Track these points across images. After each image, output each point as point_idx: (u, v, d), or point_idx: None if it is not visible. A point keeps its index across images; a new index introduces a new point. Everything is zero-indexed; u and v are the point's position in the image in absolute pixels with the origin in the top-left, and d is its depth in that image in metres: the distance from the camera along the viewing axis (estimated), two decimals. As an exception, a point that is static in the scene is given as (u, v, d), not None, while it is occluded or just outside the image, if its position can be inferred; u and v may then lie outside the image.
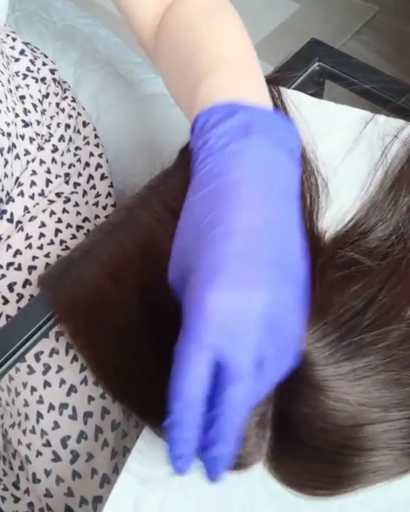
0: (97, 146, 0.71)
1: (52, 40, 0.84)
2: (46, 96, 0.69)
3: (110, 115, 0.77)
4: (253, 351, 0.32)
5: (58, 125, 0.68)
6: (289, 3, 1.73)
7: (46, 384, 0.50)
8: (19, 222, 0.60)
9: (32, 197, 0.62)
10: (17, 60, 0.69)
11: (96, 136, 0.72)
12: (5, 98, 0.61)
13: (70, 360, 0.51)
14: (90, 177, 0.68)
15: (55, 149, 0.66)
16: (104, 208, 0.67)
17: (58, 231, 0.60)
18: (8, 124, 0.60)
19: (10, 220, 0.59)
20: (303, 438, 0.40)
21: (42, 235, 0.59)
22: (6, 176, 0.59)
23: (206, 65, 0.45)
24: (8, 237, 0.59)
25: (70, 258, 0.50)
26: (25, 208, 0.61)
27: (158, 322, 0.43)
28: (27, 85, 0.68)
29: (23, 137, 0.63)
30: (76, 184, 0.66)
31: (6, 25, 0.72)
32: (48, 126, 0.67)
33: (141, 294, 0.44)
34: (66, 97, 0.71)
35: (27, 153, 0.63)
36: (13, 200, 0.60)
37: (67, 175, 0.66)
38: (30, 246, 0.58)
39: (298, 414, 0.40)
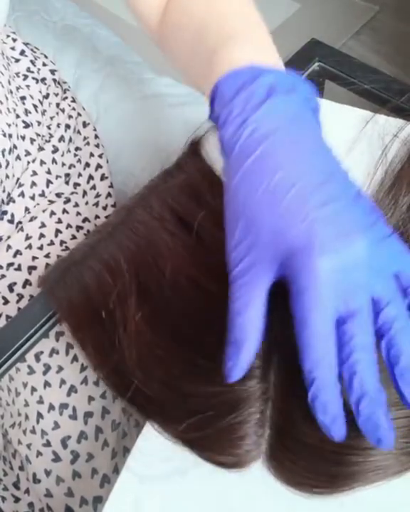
0: (97, 146, 0.71)
1: (52, 40, 0.84)
2: (46, 96, 0.69)
3: (110, 115, 0.77)
4: (370, 296, 0.35)
5: (58, 126, 0.68)
6: (289, 3, 1.73)
7: (46, 384, 0.50)
8: (19, 222, 0.60)
9: (32, 198, 0.62)
10: (17, 60, 0.69)
11: (96, 137, 0.72)
12: (6, 99, 0.61)
13: (70, 360, 0.51)
14: (90, 177, 0.68)
15: (55, 150, 0.66)
16: (105, 208, 0.67)
17: (58, 231, 0.60)
18: (9, 125, 0.60)
19: (11, 221, 0.59)
20: (303, 436, 0.40)
21: (42, 235, 0.59)
22: (7, 177, 0.59)
23: (220, 38, 0.44)
24: (8, 237, 0.59)
25: (70, 258, 0.50)
26: (26, 209, 0.61)
27: (158, 320, 0.43)
28: (27, 86, 0.68)
29: (23, 138, 0.63)
30: (76, 184, 0.66)
31: (6, 26, 0.72)
32: (48, 127, 0.67)
33: (141, 293, 0.44)
34: (66, 98, 0.71)
35: (28, 154, 0.63)
36: (13, 201, 0.60)
37: (67, 175, 0.66)
38: (30, 246, 0.58)
39: (298, 412, 0.40)
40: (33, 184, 0.62)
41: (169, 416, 0.39)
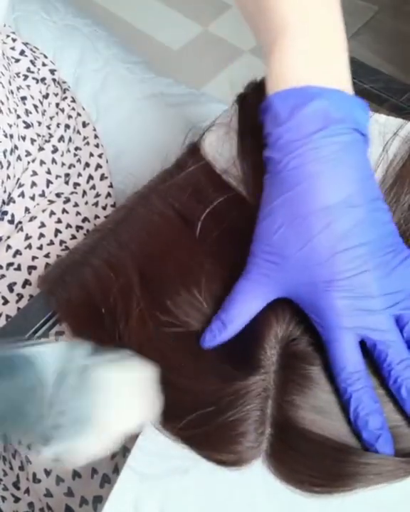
0: (96, 146, 0.71)
1: (52, 40, 0.84)
2: (46, 96, 0.69)
3: (110, 115, 0.77)
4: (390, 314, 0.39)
5: (58, 125, 0.68)
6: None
7: (46, 384, 0.50)
8: (19, 222, 0.60)
9: (33, 198, 0.62)
10: (17, 60, 0.69)
11: (96, 137, 0.72)
12: (6, 99, 0.61)
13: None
14: (90, 177, 0.68)
15: (55, 150, 0.66)
16: (104, 208, 0.67)
17: (57, 231, 0.60)
18: (10, 126, 0.60)
19: (11, 221, 0.59)
20: (303, 435, 0.40)
21: (42, 235, 0.59)
22: (8, 177, 0.59)
23: (284, 18, 0.43)
24: (8, 237, 0.59)
25: (69, 258, 0.50)
26: (26, 209, 0.61)
27: (159, 318, 0.43)
28: (28, 86, 0.67)
29: (24, 138, 0.63)
30: (76, 184, 0.66)
31: (5, 26, 0.72)
32: (48, 127, 0.67)
33: (143, 286, 0.44)
34: (66, 98, 0.71)
35: (28, 154, 0.63)
36: (14, 201, 0.60)
37: (67, 175, 0.66)
38: (29, 246, 0.58)
39: (298, 410, 0.40)
40: (33, 184, 0.62)
41: (169, 413, 0.39)
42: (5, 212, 0.59)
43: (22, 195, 0.61)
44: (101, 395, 0.30)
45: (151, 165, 0.56)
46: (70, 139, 0.68)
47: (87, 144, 0.70)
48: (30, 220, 0.60)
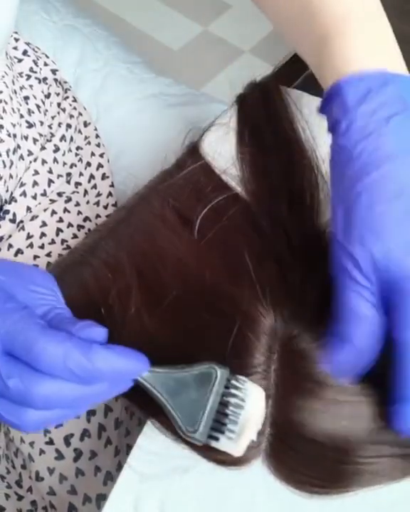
0: (98, 145, 0.71)
1: (52, 40, 0.84)
2: (48, 96, 0.69)
3: (110, 115, 0.77)
4: None
5: (60, 125, 0.68)
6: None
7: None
8: (21, 221, 0.60)
9: (34, 197, 0.62)
10: (20, 60, 0.69)
11: (97, 136, 0.72)
12: (10, 99, 0.62)
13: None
14: (92, 177, 0.68)
15: (56, 149, 0.66)
16: (105, 207, 0.67)
17: (59, 230, 0.61)
18: (13, 125, 0.61)
19: (12, 221, 0.59)
20: (303, 435, 0.40)
21: (43, 234, 0.59)
22: (10, 176, 0.60)
23: (334, 18, 0.43)
24: (10, 236, 0.59)
25: (69, 257, 0.50)
26: (28, 209, 0.61)
27: (159, 313, 0.43)
28: (30, 86, 0.68)
29: (26, 138, 0.63)
30: (77, 184, 0.67)
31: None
32: (50, 126, 0.67)
33: (142, 292, 0.45)
34: (67, 97, 0.71)
35: (30, 153, 0.63)
36: (15, 201, 0.60)
37: (68, 174, 0.66)
38: (31, 245, 0.59)
39: (298, 410, 0.40)
40: (35, 183, 0.62)
41: None
42: (7, 212, 0.59)
43: (24, 194, 0.61)
44: (252, 407, 0.37)
45: (151, 165, 0.56)
46: (71, 139, 0.69)
47: (89, 143, 0.71)
48: (32, 219, 0.60)
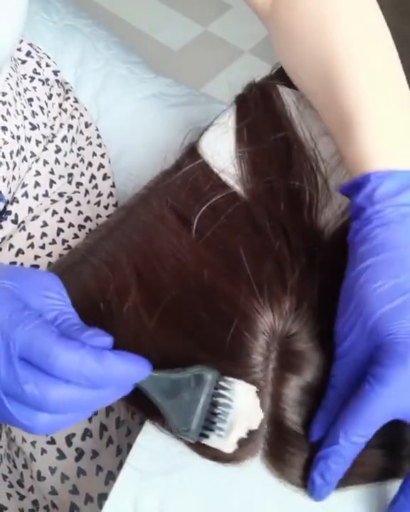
0: (99, 146, 0.71)
1: (52, 40, 0.84)
2: (50, 97, 0.69)
3: (110, 115, 0.77)
4: None
5: (61, 126, 0.68)
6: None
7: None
8: (22, 222, 0.60)
9: (36, 198, 0.62)
10: (24, 62, 0.69)
11: (98, 136, 0.72)
12: (14, 101, 0.62)
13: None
14: (93, 177, 0.68)
15: (58, 150, 0.66)
16: (106, 207, 0.67)
17: (60, 230, 0.61)
18: (17, 127, 0.61)
19: (14, 221, 0.60)
20: (300, 434, 0.40)
21: (44, 234, 0.60)
22: (13, 178, 0.60)
23: (358, 95, 0.45)
24: (11, 236, 0.59)
25: (70, 257, 0.50)
26: (30, 209, 0.61)
27: (158, 313, 0.43)
28: (34, 88, 0.68)
29: (29, 140, 0.63)
30: (78, 184, 0.67)
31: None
32: (51, 127, 0.68)
33: (141, 292, 0.45)
34: (69, 98, 0.71)
35: (33, 155, 0.64)
36: (17, 201, 0.61)
37: (70, 175, 0.66)
38: (32, 245, 0.59)
39: (296, 408, 0.41)
40: (37, 184, 0.62)
41: None
42: (9, 212, 0.60)
43: (26, 195, 0.61)
44: (240, 406, 0.39)
45: (151, 165, 0.56)
46: (73, 139, 0.69)
47: (90, 143, 0.71)
48: (33, 219, 0.60)
